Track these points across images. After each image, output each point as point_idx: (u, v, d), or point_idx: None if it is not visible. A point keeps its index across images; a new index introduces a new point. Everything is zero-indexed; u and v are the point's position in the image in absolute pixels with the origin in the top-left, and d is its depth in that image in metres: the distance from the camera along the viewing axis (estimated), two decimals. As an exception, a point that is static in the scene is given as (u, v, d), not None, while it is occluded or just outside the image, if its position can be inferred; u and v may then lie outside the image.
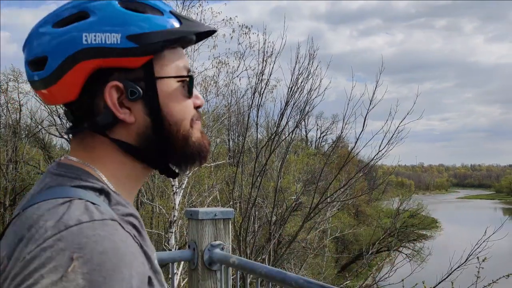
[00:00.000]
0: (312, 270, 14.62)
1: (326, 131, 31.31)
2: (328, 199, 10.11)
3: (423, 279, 7.26)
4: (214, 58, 11.04)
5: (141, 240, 0.74)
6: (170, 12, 0.80)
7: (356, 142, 9.59)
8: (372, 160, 9.50)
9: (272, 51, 9.33)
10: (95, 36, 0.74)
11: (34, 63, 0.78)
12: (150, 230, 11.40)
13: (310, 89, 9.54)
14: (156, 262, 0.77)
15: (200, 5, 10.83)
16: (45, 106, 14.13)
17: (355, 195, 15.50)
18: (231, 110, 11.56)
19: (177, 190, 9.59)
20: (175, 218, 9.54)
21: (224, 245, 2.15)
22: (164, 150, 0.82)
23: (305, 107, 9.84)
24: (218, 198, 11.13)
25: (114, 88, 0.76)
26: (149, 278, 0.69)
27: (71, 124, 0.82)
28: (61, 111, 12.52)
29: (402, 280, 7.90)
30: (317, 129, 31.68)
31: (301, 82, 9.45)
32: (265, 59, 9.34)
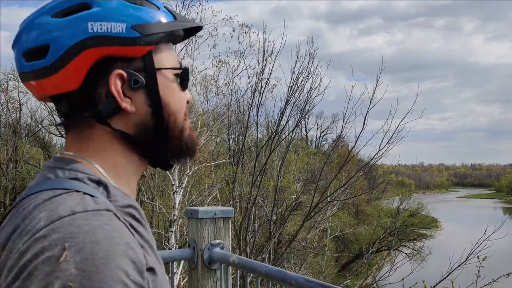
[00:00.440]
0: (312, 270, 14.62)
1: (326, 130, 31.37)
2: (328, 198, 10.11)
3: (423, 278, 7.25)
4: (214, 57, 11.05)
5: (142, 230, 0.74)
6: (164, 7, 0.83)
7: (356, 142, 9.61)
8: (372, 159, 9.53)
9: (272, 50, 9.34)
10: (100, 25, 0.75)
11: (32, 53, 0.77)
12: (150, 230, 11.39)
13: (310, 88, 9.55)
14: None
15: (200, 4, 10.86)
16: (45, 105, 14.11)
17: (355, 194, 15.51)
18: (231, 109, 11.54)
19: (177, 189, 9.59)
20: (175, 217, 9.54)
21: (224, 244, 2.15)
22: (161, 140, 0.83)
23: (305, 106, 9.85)
24: (218, 197, 11.14)
25: (118, 76, 0.77)
26: (152, 268, 0.69)
27: (65, 116, 0.82)
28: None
29: (402, 279, 7.89)
30: (317, 128, 31.73)
31: (301, 81, 9.46)
32: (265, 58, 9.34)
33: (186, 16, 10.39)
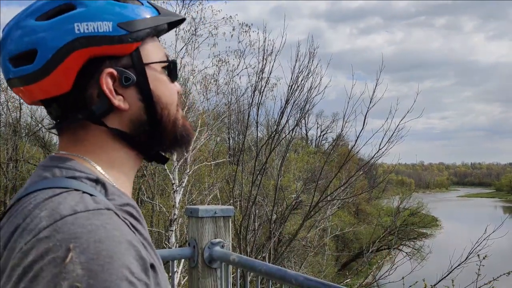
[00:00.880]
0: (312, 269, 14.61)
1: (326, 129, 31.43)
2: (328, 197, 10.10)
3: (423, 277, 7.26)
4: (214, 56, 11.03)
5: (141, 228, 0.74)
6: (147, 2, 0.83)
7: (356, 141, 9.59)
8: (372, 158, 9.53)
9: (272, 50, 9.33)
10: (87, 25, 0.75)
11: (19, 58, 0.76)
12: (150, 229, 11.39)
13: (310, 87, 9.52)
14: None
15: (200, 3, 10.84)
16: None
17: (355, 193, 15.51)
18: (231, 109, 11.54)
19: (177, 188, 9.59)
20: (175, 217, 9.55)
21: (224, 243, 2.15)
22: (156, 134, 0.83)
23: (305, 105, 9.82)
24: (218, 196, 11.15)
25: (109, 75, 0.77)
26: (153, 265, 0.69)
27: (57, 119, 0.81)
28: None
29: (403, 278, 7.88)
30: (317, 127, 31.78)
31: (301, 80, 9.44)
32: (265, 57, 9.32)
33: (186, 15, 10.39)
